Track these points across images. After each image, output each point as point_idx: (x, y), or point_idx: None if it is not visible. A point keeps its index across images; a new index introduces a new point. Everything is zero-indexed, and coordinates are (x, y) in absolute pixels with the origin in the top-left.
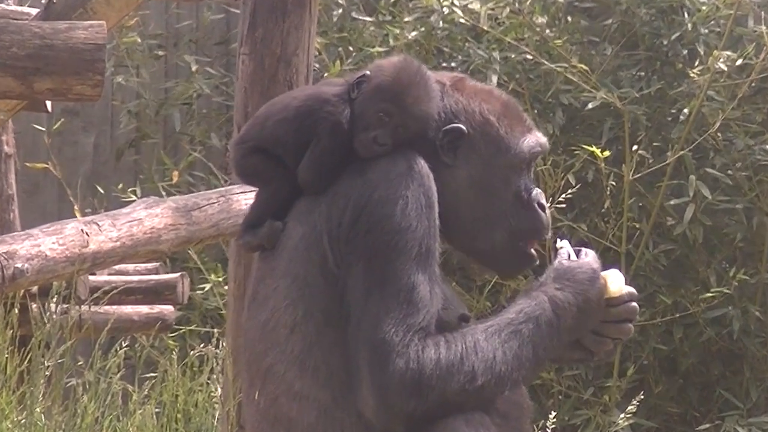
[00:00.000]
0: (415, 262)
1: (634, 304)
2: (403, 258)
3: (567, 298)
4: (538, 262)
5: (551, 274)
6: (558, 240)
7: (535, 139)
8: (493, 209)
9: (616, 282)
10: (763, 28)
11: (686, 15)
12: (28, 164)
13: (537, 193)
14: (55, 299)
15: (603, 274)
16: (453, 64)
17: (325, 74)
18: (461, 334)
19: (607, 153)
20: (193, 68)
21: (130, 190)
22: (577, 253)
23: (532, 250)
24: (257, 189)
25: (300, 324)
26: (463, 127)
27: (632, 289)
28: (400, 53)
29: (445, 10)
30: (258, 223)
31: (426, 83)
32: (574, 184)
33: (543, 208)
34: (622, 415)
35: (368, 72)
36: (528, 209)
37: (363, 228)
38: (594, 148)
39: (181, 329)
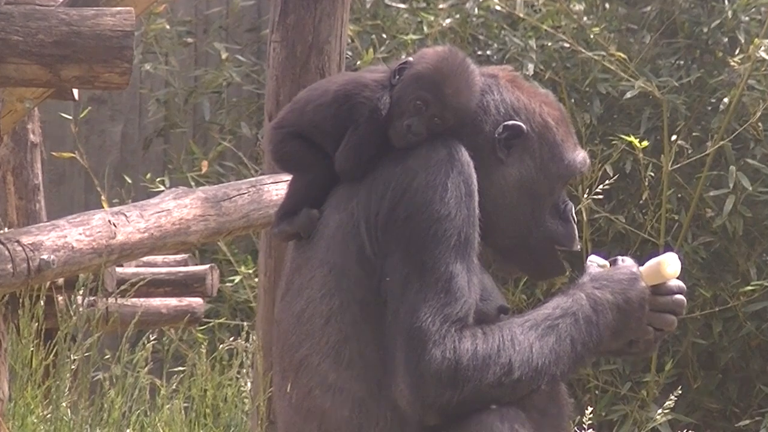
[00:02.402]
0: (454, 251)
1: (682, 297)
2: (442, 247)
3: (605, 297)
4: (567, 272)
5: (587, 277)
6: (589, 257)
7: (585, 156)
8: (533, 214)
9: (672, 265)
10: None
11: (726, 2)
12: (54, 154)
13: (571, 206)
14: (81, 291)
15: (660, 257)
16: (488, 53)
17: (358, 62)
18: (498, 327)
19: (645, 143)
20: (223, 56)
21: (158, 180)
22: (614, 262)
23: (569, 252)
24: (293, 176)
25: (336, 314)
26: (523, 126)
27: (681, 283)
28: (434, 41)
29: None
30: (294, 211)
31: (468, 75)
32: (611, 175)
33: (575, 221)
34: (659, 411)
35: (411, 59)
36: (563, 220)
37: (401, 215)
38: (632, 138)
39: (210, 322)
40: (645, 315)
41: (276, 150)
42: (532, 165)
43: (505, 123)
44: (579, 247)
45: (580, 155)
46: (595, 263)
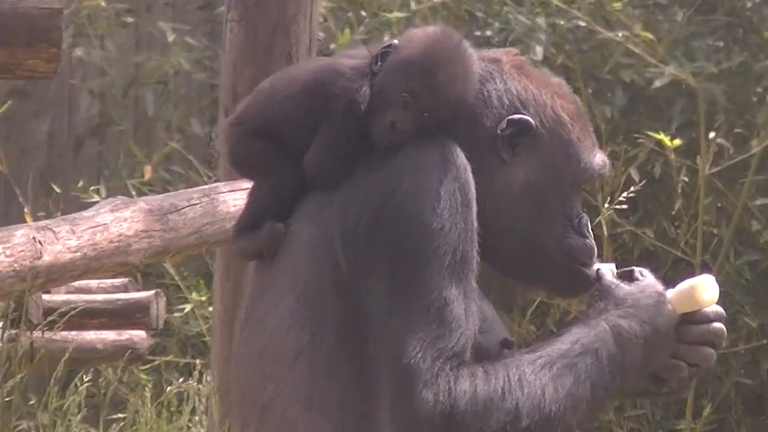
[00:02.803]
0: (448, 272)
1: (720, 324)
2: (434, 266)
3: (632, 328)
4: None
5: (610, 299)
6: (599, 267)
7: (605, 158)
8: (541, 225)
9: (709, 290)
10: None
11: None
12: None
13: (586, 220)
14: (1, 323)
15: (694, 280)
16: (489, 33)
17: (332, 45)
18: (503, 365)
19: (677, 142)
20: (170, 38)
21: (92, 188)
22: (629, 274)
23: (589, 272)
24: (254, 182)
25: (307, 349)
26: (532, 121)
27: (720, 309)
28: (423, 19)
29: None
30: (255, 224)
31: (465, 61)
32: (637, 181)
33: (591, 237)
34: None
35: (396, 42)
36: (580, 235)
37: (385, 228)
38: (662, 136)
39: (156, 360)
40: (672, 346)
41: (234, 151)
42: (541, 167)
43: (510, 117)
44: (597, 266)
45: (599, 157)
46: (608, 274)
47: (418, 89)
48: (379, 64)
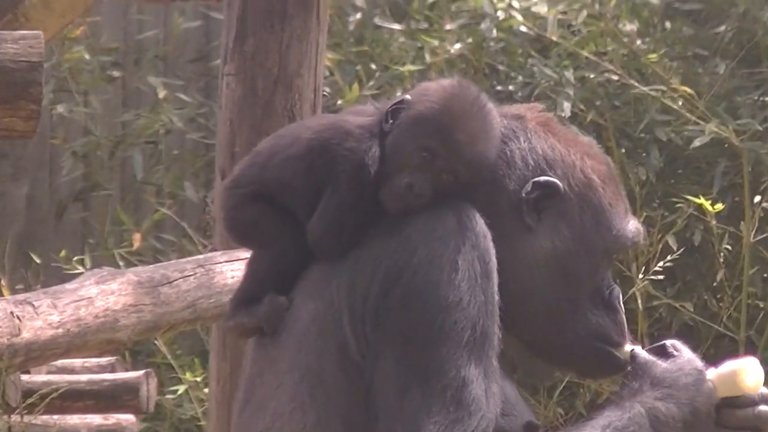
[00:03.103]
0: (467, 350)
1: (766, 408)
2: (451, 343)
3: (670, 411)
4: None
5: (645, 378)
6: (632, 348)
7: (639, 226)
8: (570, 299)
9: (754, 374)
10: None
11: None
12: None
13: (618, 292)
14: None
15: (737, 363)
16: (511, 88)
17: (339, 101)
18: None
19: (719, 206)
20: (161, 94)
21: (75, 258)
22: (662, 349)
23: (618, 353)
24: (253, 252)
25: None
26: (559, 184)
27: (766, 390)
28: (439, 72)
29: (500, 15)
30: (255, 297)
31: (486, 116)
32: (675, 249)
33: (622, 312)
34: None
35: (408, 96)
36: (608, 309)
37: (397, 303)
38: (702, 200)
39: None
40: (712, 425)
41: (231, 216)
42: (570, 235)
43: (536, 179)
44: (629, 344)
45: (633, 224)
46: (642, 353)
47: (436, 147)
48: (391, 121)
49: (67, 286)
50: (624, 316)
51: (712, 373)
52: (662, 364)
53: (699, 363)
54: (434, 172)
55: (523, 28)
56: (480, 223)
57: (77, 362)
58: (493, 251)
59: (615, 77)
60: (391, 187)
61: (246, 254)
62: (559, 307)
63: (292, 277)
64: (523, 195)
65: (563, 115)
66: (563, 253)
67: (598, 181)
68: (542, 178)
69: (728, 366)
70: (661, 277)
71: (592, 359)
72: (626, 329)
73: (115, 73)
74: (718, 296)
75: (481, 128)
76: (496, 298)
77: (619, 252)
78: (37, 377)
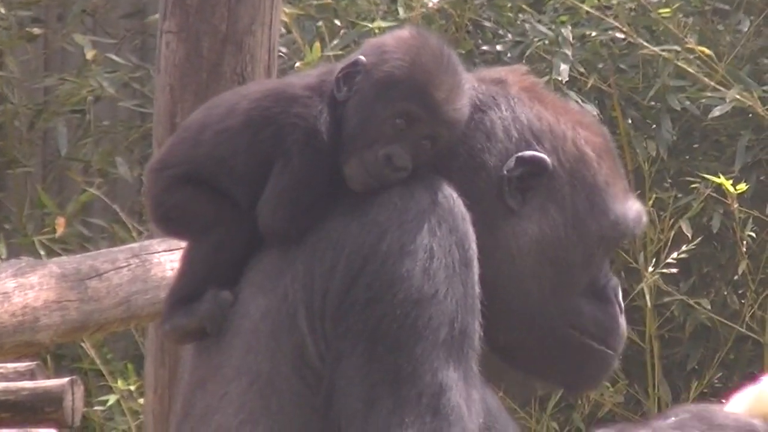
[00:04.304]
0: (444, 350)
1: None
2: (426, 343)
3: None
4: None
5: (669, 418)
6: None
7: (641, 209)
8: (557, 293)
9: None
10: None
11: None
12: None
13: (616, 285)
14: None
15: (762, 386)
16: (499, 48)
17: (298, 63)
18: None
19: (742, 186)
20: (89, 55)
21: None
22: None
23: (610, 351)
24: (189, 242)
25: None
26: (547, 159)
27: None
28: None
29: None
30: (193, 295)
31: (456, 67)
32: (690, 237)
33: (621, 307)
34: None
35: (362, 57)
36: (603, 304)
37: (362, 296)
38: (722, 180)
39: None
40: None
41: (158, 203)
42: (561, 219)
43: (520, 154)
44: (622, 345)
45: (634, 207)
46: None
47: (415, 110)
48: (345, 88)
49: None
50: (621, 312)
51: (740, 402)
52: (710, 406)
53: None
54: (413, 140)
55: None
56: (458, 203)
57: None
58: (473, 236)
59: (621, 35)
60: (362, 162)
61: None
62: (545, 301)
63: (235, 269)
64: (505, 172)
65: (560, 79)
66: (552, 240)
67: (593, 155)
68: (527, 153)
69: (753, 390)
70: (673, 269)
71: (575, 359)
72: (622, 329)
73: (36, 30)
74: (740, 292)
75: (456, 82)
76: (477, 290)
77: (617, 240)
78: None
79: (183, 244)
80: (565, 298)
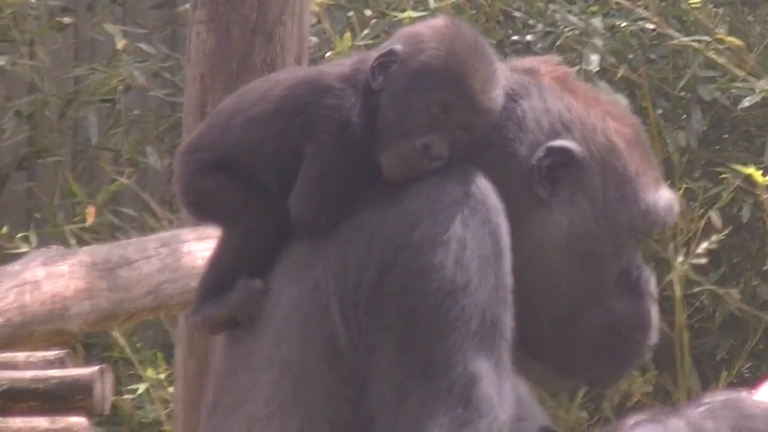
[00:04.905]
0: (476, 341)
1: None
2: (458, 334)
3: (719, 428)
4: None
5: (697, 405)
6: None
7: (672, 198)
8: (588, 287)
9: None
10: None
11: None
12: None
13: (648, 276)
14: None
15: None
16: (529, 38)
17: (328, 53)
18: None
19: None
20: (119, 44)
21: (20, 235)
22: None
23: (643, 346)
24: (222, 230)
25: None
26: (577, 149)
27: None
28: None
29: None
30: (224, 285)
31: (491, 57)
32: (720, 227)
33: (653, 299)
34: None
35: (397, 47)
36: (635, 296)
37: (395, 287)
38: (752, 170)
39: None
40: None
41: (188, 189)
42: (591, 210)
43: (550, 144)
44: (655, 337)
45: (665, 196)
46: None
47: (452, 100)
48: (381, 78)
49: (9, 267)
50: (654, 304)
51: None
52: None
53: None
54: (449, 129)
55: None
56: (491, 194)
57: (20, 356)
58: (506, 227)
59: (651, 26)
60: (399, 152)
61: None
62: (577, 293)
63: (265, 257)
64: (535, 162)
65: (590, 69)
66: (583, 231)
67: (623, 145)
68: (557, 143)
69: None
70: (703, 260)
71: (606, 357)
72: (655, 319)
73: (66, 20)
74: None
75: (491, 72)
76: (509, 281)
77: (649, 230)
78: None
79: (214, 232)
80: (596, 291)
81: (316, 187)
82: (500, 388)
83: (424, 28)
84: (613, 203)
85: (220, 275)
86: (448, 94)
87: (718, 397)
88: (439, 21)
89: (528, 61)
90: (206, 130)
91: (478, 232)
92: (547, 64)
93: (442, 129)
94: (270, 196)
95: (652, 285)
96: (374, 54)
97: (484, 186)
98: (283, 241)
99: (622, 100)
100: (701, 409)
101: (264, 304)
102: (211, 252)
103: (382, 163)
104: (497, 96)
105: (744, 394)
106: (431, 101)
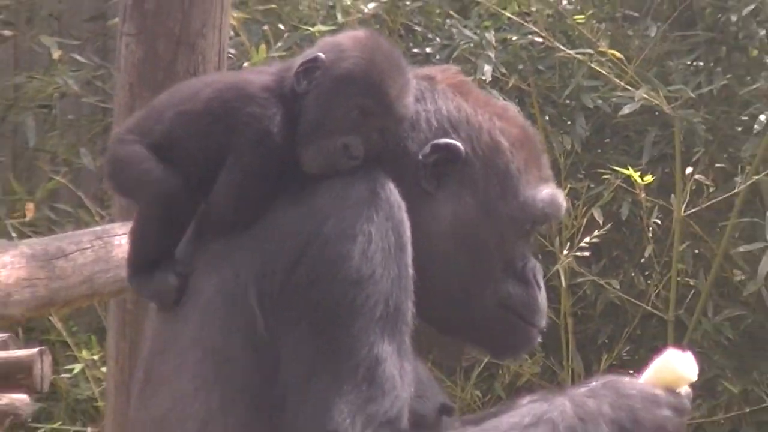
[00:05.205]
0: (380, 326)
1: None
2: (363, 319)
3: (600, 408)
4: (540, 340)
5: (581, 387)
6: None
7: (553, 194)
8: (475, 272)
9: (685, 362)
10: None
11: None
12: None
13: (534, 266)
14: None
15: (666, 356)
16: (428, 50)
17: (245, 63)
18: None
19: (649, 178)
20: (55, 55)
21: None
22: None
23: (535, 327)
24: (141, 206)
25: (216, 417)
26: (461, 146)
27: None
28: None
29: None
30: (148, 260)
31: (405, 68)
32: (601, 223)
33: (539, 286)
34: None
35: (321, 55)
36: (522, 282)
37: (306, 276)
38: (631, 171)
39: (41, 428)
40: None
41: (115, 161)
42: (473, 203)
43: (435, 142)
44: (543, 321)
45: (545, 191)
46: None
47: (370, 106)
48: (305, 82)
49: None
50: (540, 292)
51: (646, 374)
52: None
53: (681, 401)
54: (366, 131)
55: None
56: (394, 193)
57: None
58: (407, 223)
59: (539, 39)
60: (320, 150)
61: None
62: (464, 278)
63: (178, 236)
64: (421, 158)
65: (484, 79)
66: (466, 221)
67: (506, 144)
68: (442, 141)
69: (658, 362)
70: (586, 253)
71: (504, 332)
72: (539, 304)
73: (6, 32)
74: (646, 273)
75: (405, 81)
76: (411, 272)
77: (529, 222)
78: None
79: None
80: (483, 276)
81: (235, 190)
82: (401, 369)
83: (346, 39)
84: (493, 197)
85: (141, 253)
86: (368, 100)
87: (599, 380)
88: (359, 33)
89: (427, 70)
90: (140, 120)
91: (382, 227)
92: (445, 72)
93: (360, 131)
94: (188, 185)
95: (538, 274)
96: (298, 60)
97: (388, 185)
98: (202, 231)
99: (512, 107)
100: (583, 389)
101: (190, 288)
102: (132, 228)
103: (304, 158)
104: (409, 104)
105: (622, 377)
106: (352, 106)
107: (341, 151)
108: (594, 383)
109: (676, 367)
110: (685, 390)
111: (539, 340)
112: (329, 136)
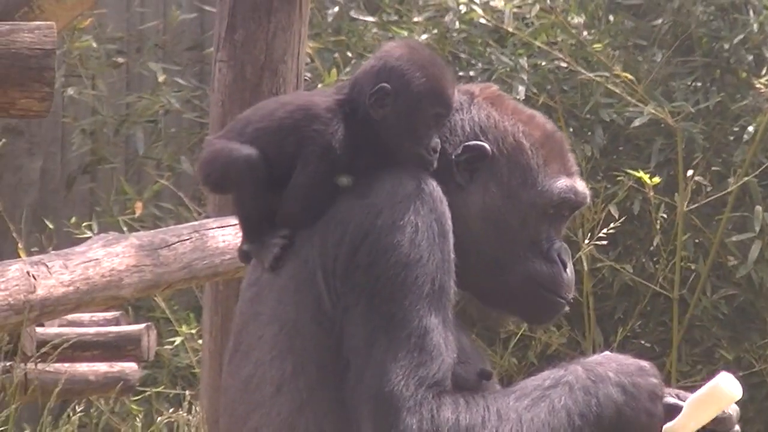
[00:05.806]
0: (427, 302)
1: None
2: (413, 296)
3: (607, 373)
4: (568, 308)
5: (589, 357)
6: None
7: (571, 183)
8: (505, 250)
9: (735, 388)
10: None
11: (751, 13)
12: None
13: (560, 246)
14: None
15: (717, 378)
16: (472, 73)
17: (319, 85)
18: (482, 396)
19: (656, 179)
20: (160, 78)
21: (84, 224)
22: None
23: (560, 299)
24: (235, 195)
25: (289, 381)
26: (487, 147)
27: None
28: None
29: (462, 9)
30: (254, 232)
31: (443, 63)
32: (617, 217)
33: (565, 265)
34: None
35: (386, 85)
36: (547, 261)
37: (364, 261)
38: (641, 174)
39: (147, 391)
40: (656, 414)
41: (205, 154)
42: (498, 191)
43: (466, 143)
44: (570, 295)
45: (562, 181)
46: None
47: (441, 111)
48: (381, 108)
49: (77, 248)
50: (565, 270)
51: (699, 392)
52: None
53: (656, 379)
54: (438, 129)
55: (482, 20)
56: (437, 189)
57: (86, 316)
58: (448, 214)
59: (564, 64)
60: (414, 152)
61: (236, 221)
62: (496, 256)
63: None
64: (453, 157)
65: (518, 97)
66: (492, 207)
67: (528, 144)
68: (472, 142)
69: (710, 383)
70: (604, 242)
71: (533, 302)
72: (566, 281)
73: (120, 60)
74: (655, 259)
75: (449, 74)
76: (452, 256)
77: (547, 206)
78: (50, 330)
79: (234, 221)
80: (511, 252)
81: (301, 192)
82: (446, 338)
83: (395, 61)
84: (516, 187)
85: (246, 224)
86: (440, 108)
87: (603, 354)
88: (402, 51)
89: (469, 86)
90: (227, 131)
91: (427, 219)
92: (483, 89)
93: (437, 130)
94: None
95: (563, 254)
96: (364, 90)
97: (431, 182)
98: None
99: (540, 115)
100: (591, 359)
101: (269, 275)
102: (234, 211)
103: (403, 161)
104: (455, 95)
105: (620, 354)
106: (429, 115)
107: (432, 150)
108: (598, 356)
109: (723, 388)
110: (733, 407)
111: (566, 309)
112: (419, 141)
